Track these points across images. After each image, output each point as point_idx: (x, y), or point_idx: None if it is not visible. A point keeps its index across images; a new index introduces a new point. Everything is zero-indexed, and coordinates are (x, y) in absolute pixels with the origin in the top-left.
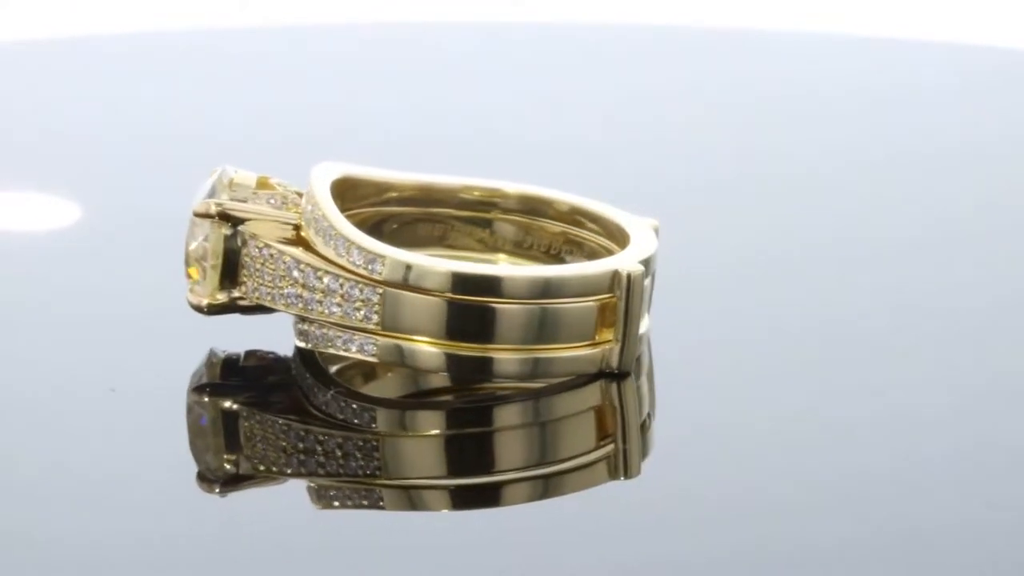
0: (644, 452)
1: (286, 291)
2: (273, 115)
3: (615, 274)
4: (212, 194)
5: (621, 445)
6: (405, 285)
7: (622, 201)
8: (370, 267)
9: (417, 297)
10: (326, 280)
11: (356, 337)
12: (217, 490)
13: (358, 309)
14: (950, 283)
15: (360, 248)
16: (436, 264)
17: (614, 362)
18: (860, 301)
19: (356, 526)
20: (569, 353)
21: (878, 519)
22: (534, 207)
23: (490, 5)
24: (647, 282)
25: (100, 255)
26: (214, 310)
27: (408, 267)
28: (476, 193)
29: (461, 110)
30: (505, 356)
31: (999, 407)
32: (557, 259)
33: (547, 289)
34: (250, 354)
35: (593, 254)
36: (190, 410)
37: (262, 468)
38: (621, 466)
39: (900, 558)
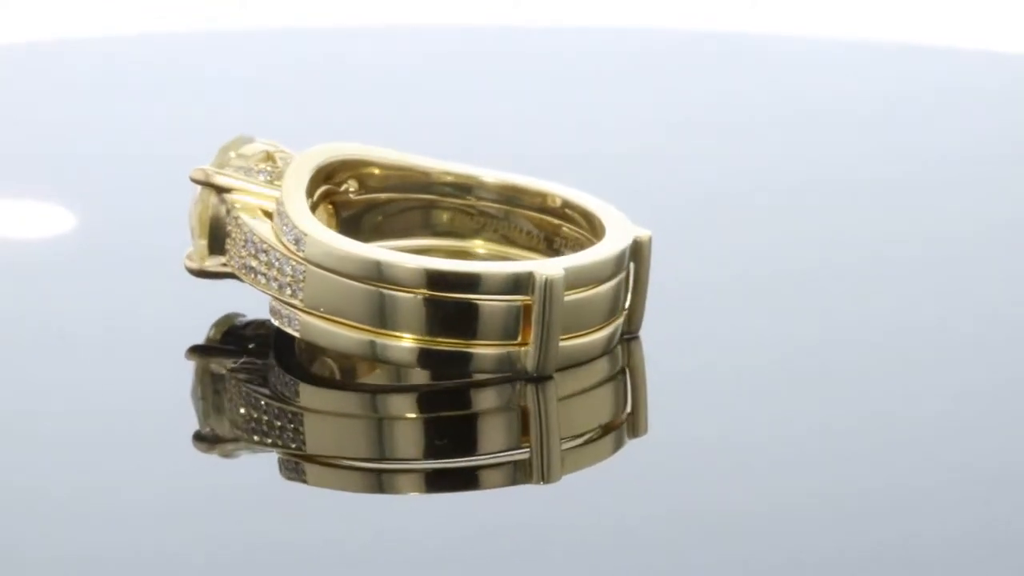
0: (617, 445)
1: (244, 261)
2: (273, 117)
3: (530, 276)
4: (217, 161)
5: (538, 449)
6: (379, 280)
7: (625, 209)
8: (297, 244)
9: (387, 293)
10: (271, 254)
11: (285, 311)
12: (217, 450)
13: (289, 285)
14: (951, 294)
15: (293, 225)
16: (408, 260)
17: (529, 365)
18: (858, 312)
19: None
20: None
21: (865, 535)
22: (528, 197)
23: (489, 7)
24: (614, 285)
25: (100, 258)
26: (204, 275)
27: (378, 263)
28: (468, 179)
29: (458, 113)
30: (483, 351)
31: (995, 421)
32: (552, 250)
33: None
34: (260, 323)
35: (580, 248)
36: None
37: (237, 432)
38: (539, 470)
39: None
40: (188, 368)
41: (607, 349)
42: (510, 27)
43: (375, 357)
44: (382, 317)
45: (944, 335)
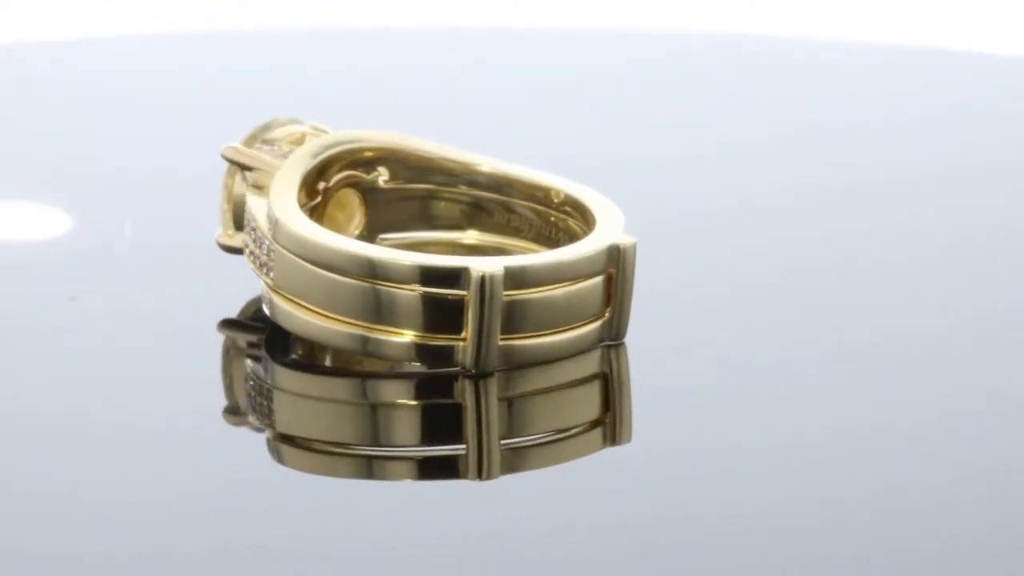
0: (587, 449)
1: (245, 238)
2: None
3: (464, 271)
4: (249, 139)
5: (475, 446)
6: (372, 277)
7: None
8: (272, 226)
9: (368, 286)
10: (257, 232)
11: (265, 292)
12: (247, 423)
13: (265, 264)
14: (951, 302)
15: (270, 206)
16: (402, 257)
17: (467, 361)
18: (854, 321)
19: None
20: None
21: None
22: (532, 190)
23: (487, 9)
24: (582, 288)
25: (102, 263)
26: (231, 251)
27: (369, 260)
28: (479, 169)
29: (456, 114)
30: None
31: (982, 437)
32: (551, 242)
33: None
34: None
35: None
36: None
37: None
38: (475, 467)
39: None
40: (217, 344)
41: (576, 352)
42: (509, 29)
43: (367, 352)
44: (352, 309)
45: (942, 343)
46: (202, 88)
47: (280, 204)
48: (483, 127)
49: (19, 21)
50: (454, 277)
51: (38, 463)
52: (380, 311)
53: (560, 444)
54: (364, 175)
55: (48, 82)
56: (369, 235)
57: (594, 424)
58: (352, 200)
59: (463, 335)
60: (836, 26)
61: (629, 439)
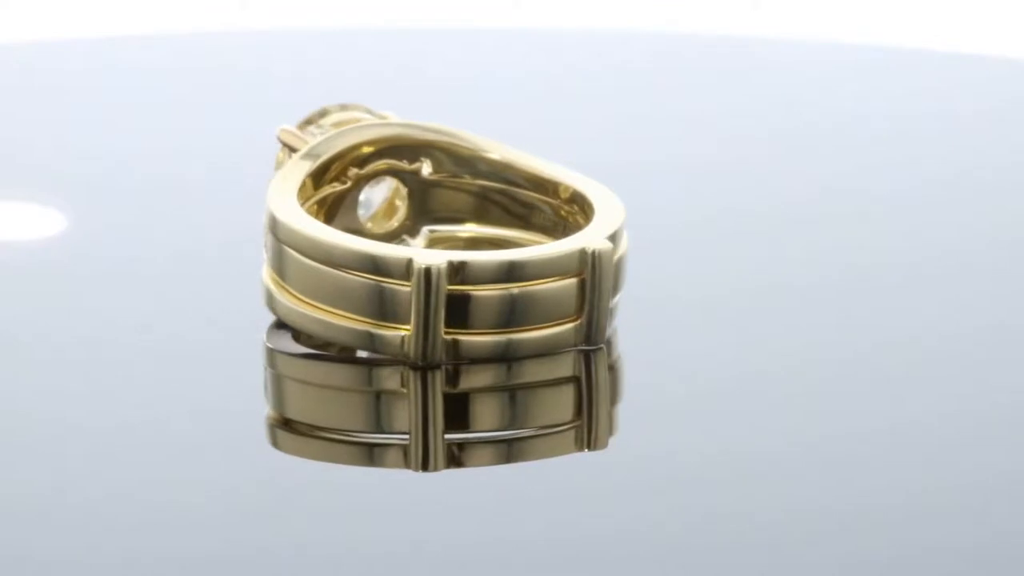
0: (556, 451)
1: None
2: (275, 118)
3: (408, 263)
4: (307, 122)
5: (418, 435)
6: (375, 272)
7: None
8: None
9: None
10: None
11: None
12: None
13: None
14: (949, 308)
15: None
16: (397, 252)
17: (411, 352)
18: (848, 328)
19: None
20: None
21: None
22: (542, 183)
23: (486, 9)
24: (551, 289)
25: (101, 263)
26: None
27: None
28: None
29: (455, 115)
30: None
31: (979, 443)
32: (562, 234)
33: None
34: None
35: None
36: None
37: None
38: (417, 457)
39: None
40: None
41: (541, 352)
42: (509, 29)
43: (373, 349)
44: (332, 300)
45: (937, 347)
46: (202, 88)
47: (278, 200)
48: (482, 127)
49: (19, 21)
50: (401, 268)
51: (38, 463)
52: (383, 307)
53: (527, 443)
54: (407, 165)
55: (48, 82)
56: (413, 226)
57: (565, 427)
58: (402, 190)
59: (409, 326)
60: (838, 28)
61: (605, 445)
